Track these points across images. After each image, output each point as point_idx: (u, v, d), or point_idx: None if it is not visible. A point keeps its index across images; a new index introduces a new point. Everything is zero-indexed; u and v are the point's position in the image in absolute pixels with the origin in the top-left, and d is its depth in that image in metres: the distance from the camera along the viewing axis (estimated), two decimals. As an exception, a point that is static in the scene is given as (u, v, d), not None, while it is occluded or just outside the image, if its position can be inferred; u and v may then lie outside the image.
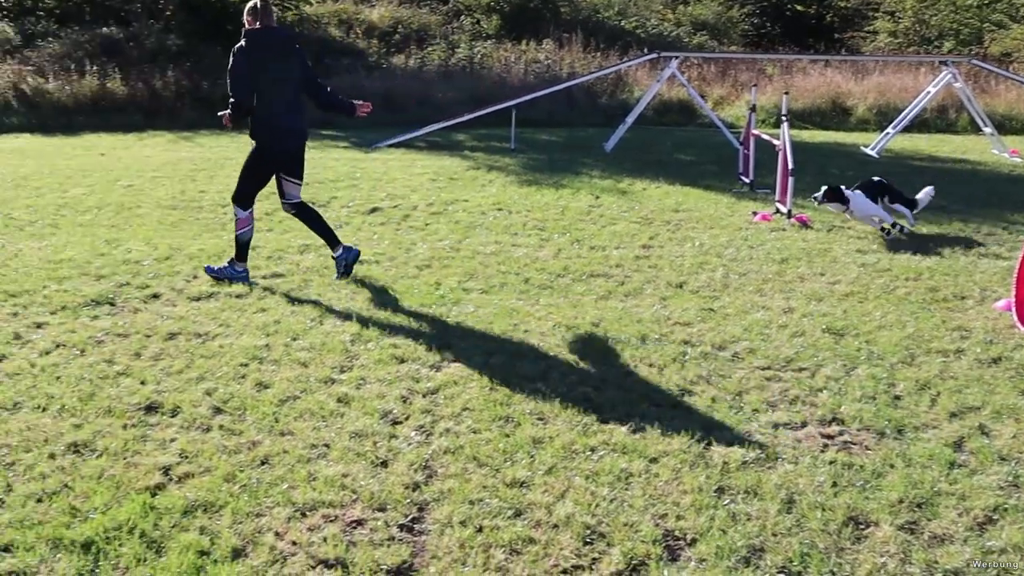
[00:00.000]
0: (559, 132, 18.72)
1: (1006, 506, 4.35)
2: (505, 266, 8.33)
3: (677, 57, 17.30)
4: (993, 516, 4.28)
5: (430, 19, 27.69)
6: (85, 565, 3.75)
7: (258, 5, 7.34)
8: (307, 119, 7.83)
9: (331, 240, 7.90)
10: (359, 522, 4.12)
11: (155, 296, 7.30)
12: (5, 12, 23.33)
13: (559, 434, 4.99)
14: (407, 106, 19.99)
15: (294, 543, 3.94)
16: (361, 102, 8.02)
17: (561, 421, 5.17)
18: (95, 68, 19.73)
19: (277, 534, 4.00)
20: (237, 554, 3.86)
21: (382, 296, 7.37)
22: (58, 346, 6.16)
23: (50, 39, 21.67)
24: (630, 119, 16.50)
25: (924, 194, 10.38)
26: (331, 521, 4.11)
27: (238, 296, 7.31)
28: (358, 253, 7.96)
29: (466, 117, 16.79)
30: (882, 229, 9.84)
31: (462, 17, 28.29)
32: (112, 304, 7.07)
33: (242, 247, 7.72)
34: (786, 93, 12.47)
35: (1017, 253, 7.93)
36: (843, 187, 9.89)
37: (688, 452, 4.82)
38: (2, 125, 18.09)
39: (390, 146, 16.13)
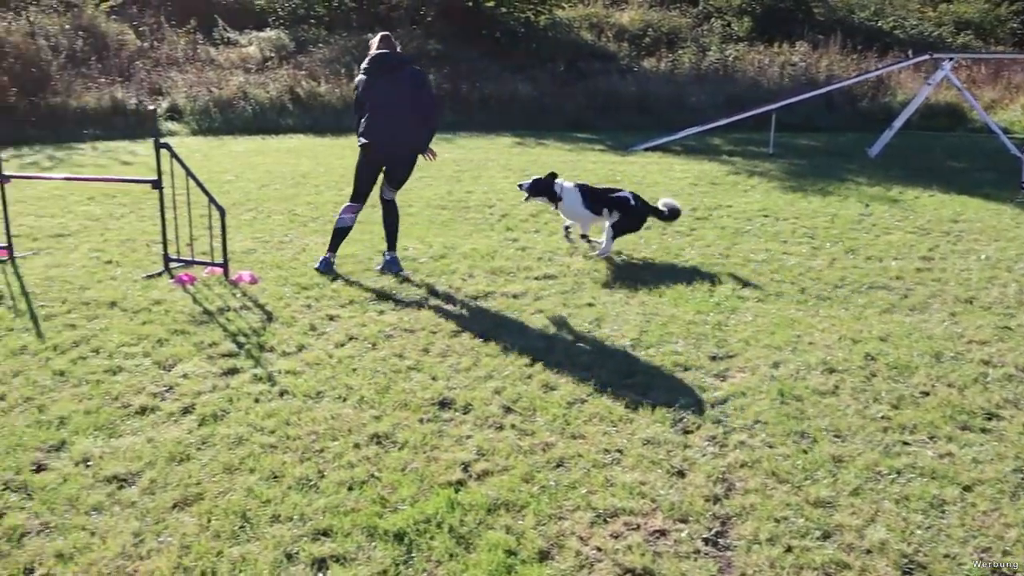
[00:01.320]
0: (818, 137, 18.13)
1: None
2: (779, 275, 8.09)
3: (951, 59, 16.38)
4: None
5: (680, 22, 27.45)
6: (399, 555, 3.85)
7: (379, 35, 8.34)
8: (416, 132, 8.09)
9: (391, 242, 8.31)
10: (662, 532, 4.05)
11: (435, 293, 7.50)
12: (281, 21, 24.77)
13: (860, 453, 4.77)
14: (660, 110, 19.87)
15: (599, 549, 3.92)
16: (432, 154, 8.36)
17: (860, 440, 4.94)
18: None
19: (581, 539, 3.99)
20: (544, 556, 3.87)
21: (656, 301, 7.30)
22: (351, 339, 6.42)
23: (320, 45, 22.83)
24: (897, 123, 15.78)
25: (663, 204, 9.03)
26: (634, 529, 4.06)
27: (514, 296, 7.41)
28: (399, 269, 8.17)
29: (724, 121, 16.51)
30: (582, 237, 9.09)
31: (712, 19, 27.88)
32: (395, 300, 7.31)
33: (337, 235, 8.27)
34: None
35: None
36: (559, 181, 8.94)
37: (1006, 482, 4.50)
38: (278, 126, 19.19)
39: (646, 150, 16.05)
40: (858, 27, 27.11)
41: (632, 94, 20.62)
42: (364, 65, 8.16)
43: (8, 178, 8.70)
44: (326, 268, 8.16)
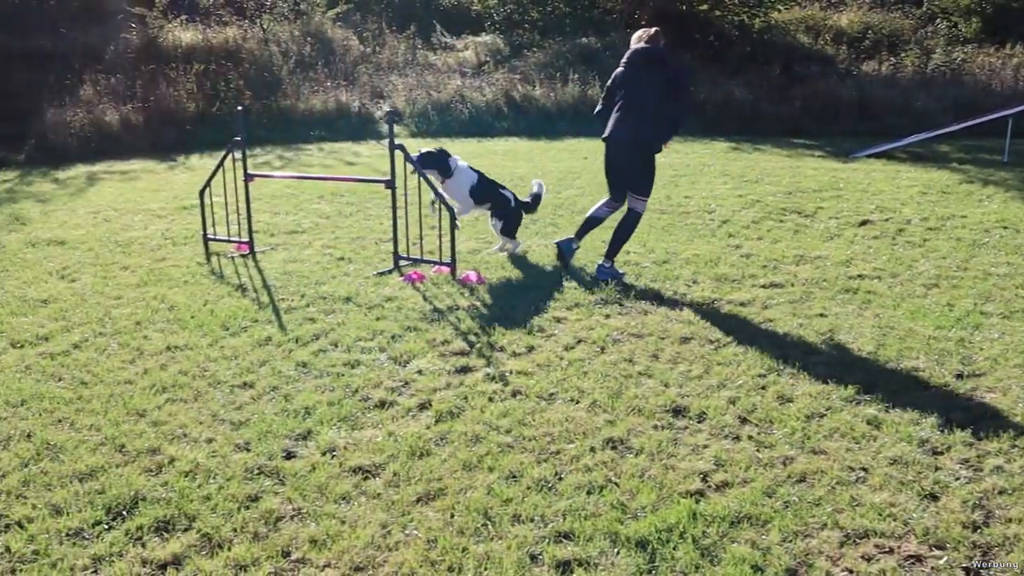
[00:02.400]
0: (1058, 145, 17.02)
1: None
2: (1024, 290, 7.63)
3: None
4: None
5: (902, 23, 26.34)
6: (642, 564, 3.81)
7: (648, 30, 8.26)
8: (651, 131, 8.01)
9: (610, 249, 8.14)
10: (916, 557, 3.86)
11: (660, 298, 7.43)
12: (497, 25, 25.21)
13: None
14: (882, 115, 19.12)
15: (850, 571, 3.77)
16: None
17: None
18: (576, 76, 20.75)
19: (830, 559, 3.85)
20: (792, 574, 3.75)
21: (891, 314, 6.99)
22: (579, 341, 6.43)
23: (535, 49, 23.10)
24: None
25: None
26: (886, 552, 3.89)
27: (741, 304, 7.26)
28: (606, 278, 7.97)
29: (956, 127, 15.74)
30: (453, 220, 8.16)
31: (937, 21, 26.62)
32: (620, 304, 7.28)
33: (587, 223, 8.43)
34: None
35: None
36: (455, 157, 8.66)
37: None
38: (494, 128, 19.52)
39: (869, 156, 15.47)
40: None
41: (852, 98, 19.91)
42: (624, 59, 8.20)
43: (252, 176, 9.16)
44: (567, 250, 8.35)
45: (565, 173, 13.71)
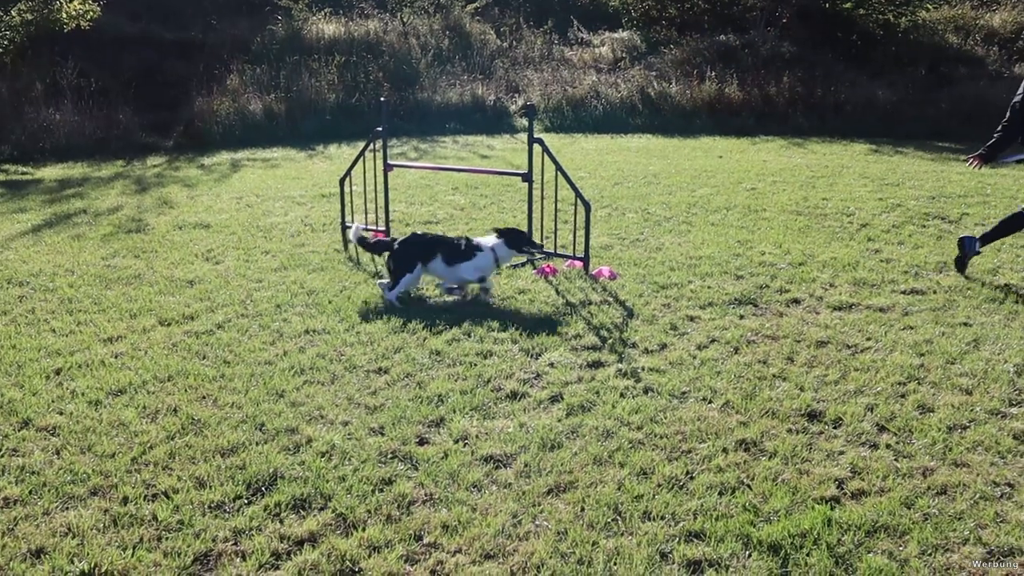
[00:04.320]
0: None
1: None
2: None
3: None
4: None
5: (1060, 24, 25.20)
6: (774, 568, 3.77)
7: None
8: None
9: (988, 235, 8.19)
10: (1065, 579, 3.72)
11: (796, 301, 7.29)
12: (634, 21, 25.09)
13: None
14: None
15: (993, 588, 3.65)
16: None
17: None
18: (713, 73, 20.50)
19: (971, 574, 3.73)
20: (930, 587, 3.65)
21: (1041, 326, 6.72)
22: (712, 341, 6.37)
23: (671, 46, 22.91)
24: None
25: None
26: (1031, 571, 3.76)
27: (880, 310, 7.07)
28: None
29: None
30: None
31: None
32: (755, 305, 7.18)
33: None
34: None
35: None
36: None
37: None
38: (627, 125, 19.44)
39: (1019, 161, 14.85)
40: None
41: (1003, 102, 19.10)
42: None
43: (392, 166, 9.32)
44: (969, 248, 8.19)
45: (700, 172, 13.56)
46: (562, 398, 5.40)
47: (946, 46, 23.96)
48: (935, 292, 7.56)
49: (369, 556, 3.86)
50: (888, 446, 4.83)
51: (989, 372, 5.82)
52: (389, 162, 9.30)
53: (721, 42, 22.58)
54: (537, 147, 8.24)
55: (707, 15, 24.72)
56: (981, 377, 5.74)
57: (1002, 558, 3.85)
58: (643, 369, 5.83)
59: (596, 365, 5.92)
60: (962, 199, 11.45)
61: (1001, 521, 4.11)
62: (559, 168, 8.11)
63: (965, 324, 6.76)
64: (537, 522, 4.10)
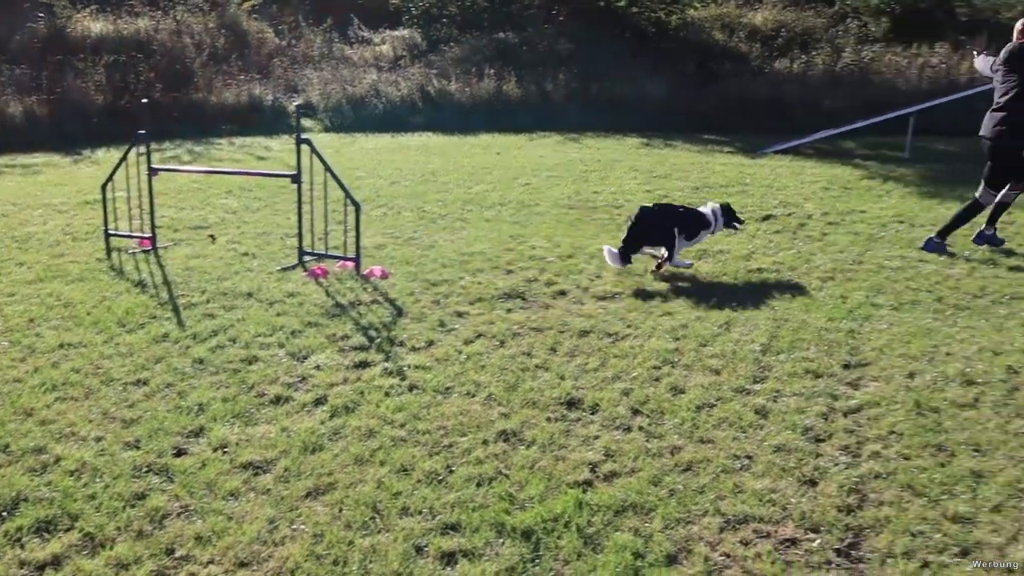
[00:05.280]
0: (956, 142, 17.48)
1: None
2: (915, 282, 7.86)
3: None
4: None
5: (814, 22, 26.81)
6: (527, 553, 3.87)
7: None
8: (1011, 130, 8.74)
9: (991, 218, 9.24)
10: (792, 541, 3.98)
11: (562, 293, 7.51)
12: (414, 19, 25.13)
13: (1001, 469, 4.60)
14: (792, 112, 19.46)
15: (727, 555, 3.87)
16: None
17: (1001, 455, 4.77)
18: (492, 71, 20.79)
19: (709, 544, 3.95)
20: (671, 560, 3.84)
21: (786, 307, 7.16)
22: (479, 336, 6.47)
23: (452, 44, 23.09)
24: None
25: None
26: (763, 537, 4.00)
27: (642, 298, 7.37)
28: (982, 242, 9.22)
29: (860, 124, 16.11)
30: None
31: (848, 20, 27.14)
32: (523, 298, 7.35)
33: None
34: None
35: None
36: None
37: None
38: (408, 123, 19.47)
39: (776, 152, 15.77)
40: (1005, 28, 26.06)
41: (763, 96, 20.23)
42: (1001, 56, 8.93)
43: (156, 171, 9.03)
44: (994, 241, 9.22)
45: (477, 169, 13.74)
46: (326, 400, 5.37)
47: (713, 43, 25.12)
48: (695, 279, 7.92)
49: (117, 574, 3.74)
50: (641, 428, 5.04)
51: (737, 352, 6.16)
52: (154, 166, 9.00)
53: (500, 40, 22.94)
54: (307, 147, 8.16)
55: (487, 13, 25.03)
56: (730, 357, 6.07)
57: (737, 526, 4.08)
58: (409, 367, 5.87)
59: (363, 365, 5.92)
60: (723, 189, 12.05)
61: (739, 492, 4.36)
62: (328, 168, 8.06)
63: (719, 308, 7.12)
64: (294, 526, 4.07)
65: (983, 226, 9.28)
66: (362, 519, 4.11)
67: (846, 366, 5.95)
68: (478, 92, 20.31)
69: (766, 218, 10.38)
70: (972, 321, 6.90)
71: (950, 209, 10.86)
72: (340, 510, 4.19)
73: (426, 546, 3.91)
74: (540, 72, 20.98)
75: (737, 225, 8.55)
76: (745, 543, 3.96)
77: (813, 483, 4.46)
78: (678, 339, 6.41)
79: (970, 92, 17.98)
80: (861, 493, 4.38)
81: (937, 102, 16.63)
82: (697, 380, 5.69)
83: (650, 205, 8.36)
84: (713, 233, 8.39)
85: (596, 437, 4.93)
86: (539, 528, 4.03)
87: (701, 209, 8.35)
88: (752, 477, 4.51)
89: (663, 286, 7.67)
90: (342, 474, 4.51)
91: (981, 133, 9.13)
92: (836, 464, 4.65)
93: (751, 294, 7.49)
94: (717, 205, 8.39)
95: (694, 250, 8.72)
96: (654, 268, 8.08)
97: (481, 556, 3.85)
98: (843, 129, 16.30)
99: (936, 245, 9.03)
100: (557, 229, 9.68)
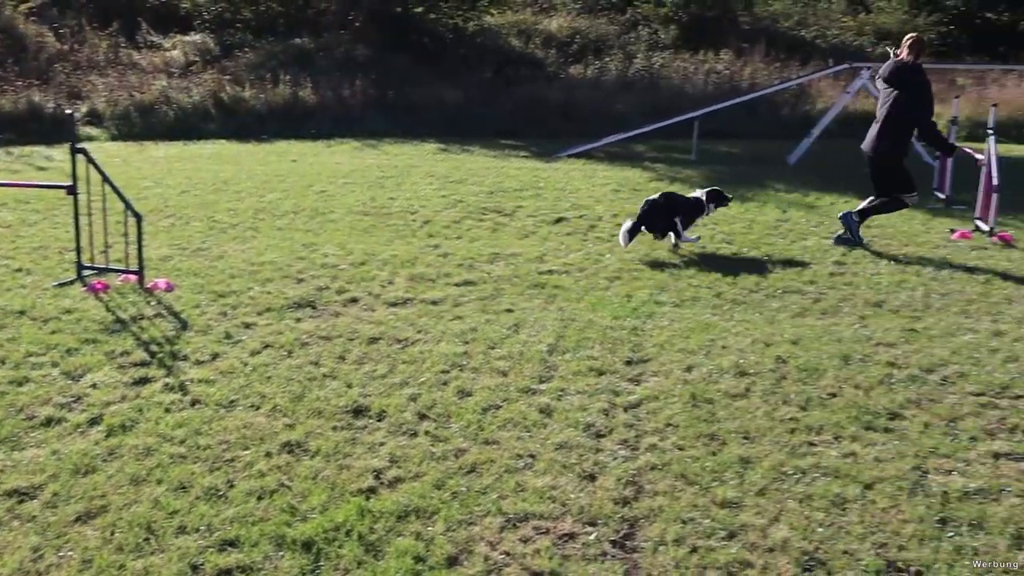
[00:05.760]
0: (740, 144, 18.39)
1: None
2: (696, 280, 8.20)
3: (869, 68, 16.76)
4: None
5: (607, 29, 27.63)
6: (306, 564, 3.84)
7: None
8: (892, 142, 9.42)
9: (863, 210, 9.78)
10: (570, 535, 4.09)
11: (354, 300, 7.47)
12: (207, 24, 24.47)
13: (767, 455, 4.86)
14: (586, 116, 19.98)
15: (507, 554, 3.94)
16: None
17: (768, 441, 5.04)
18: (288, 77, 20.46)
19: (490, 544, 4.01)
20: (452, 562, 3.88)
21: (574, 307, 7.35)
22: (266, 347, 6.37)
23: (246, 49, 22.61)
24: (816, 131, 16.09)
25: None
26: (543, 533, 4.10)
27: (433, 303, 7.41)
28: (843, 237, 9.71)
29: (648, 128, 16.68)
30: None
31: (639, 27, 28.11)
32: (314, 307, 7.27)
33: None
34: (994, 105, 11.91)
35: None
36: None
37: (905, 479, 4.63)
38: (201, 131, 18.92)
39: (570, 156, 16.15)
40: (782, 36, 27.53)
41: (558, 101, 20.71)
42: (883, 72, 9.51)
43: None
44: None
45: (271, 177, 13.50)
46: (102, 419, 5.17)
47: (510, 49, 25.53)
48: (486, 282, 8.03)
49: None
50: (427, 433, 5.07)
51: (525, 353, 6.27)
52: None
53: (296, 45, 22.63)
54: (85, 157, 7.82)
55: (282, 18, 24.65)
56: (517, 359, 6.18)
57: (518, 524, 4.16)
58: (192, 381, 5.72)
59: (143, 381, 5.73)
60: (517, 193, 12.25)
61: (521, 490, 4.45)
62: (105, 178, 7.75)
63: (508, 310, 7.24)
64: (61, 553, 3.90)
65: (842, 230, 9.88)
66: (135, 541, 3.97)
67: (628, 362, 6.16)
68: (273, 98, 19.96)
69: (558, 221, 10.61)
70: (747, 315, 7.26)
71: (731, 209, 11.40)
72: (112, 533, 4.04)
73: (202, 564, 3.82)
74: (337, 78, 20.80)
75: (727, 201, 9.82)
76: (525, 540, 4.04)
77: (592, 478, 4.59)
78: (467, 342, 6.48)
79: (751, 96, 18.96)
80: (637, 485, 4.54)
81: (720, 106, 17.41)
82: (485, 382, 5.76)
83: (656, 197, 9.32)
84: (707, 215, 9.61)
85: (382, 444, 4.93)
86: (320, 538, 3.99)
87: (696, 194, 9.57)
88: (534, 475, 4.60)
89: (456, 291, 7.74)
90: (116, 495, 4.35)
91: (863, 147, 9.71)
92: (615, 458, 4.81)
93: (541, 296, 7.65)
94: (704, 192, 9.57)
95: (486, 253, 8.84)
96: (672, 245, 9.36)
97: (259, 571, 3.79)
98: (634, 133, 16.85)
99: (845, 240, 9.70)
100: (351, 236, 9.63)
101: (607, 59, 24.88)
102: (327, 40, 22.82)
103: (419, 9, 24.44)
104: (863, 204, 9.89)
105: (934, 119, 9.63)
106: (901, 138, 9.42)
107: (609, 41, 26.69)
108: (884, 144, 9.43)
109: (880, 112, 9.52)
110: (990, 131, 10.99)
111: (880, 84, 9.68)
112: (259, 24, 24.55)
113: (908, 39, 9.56)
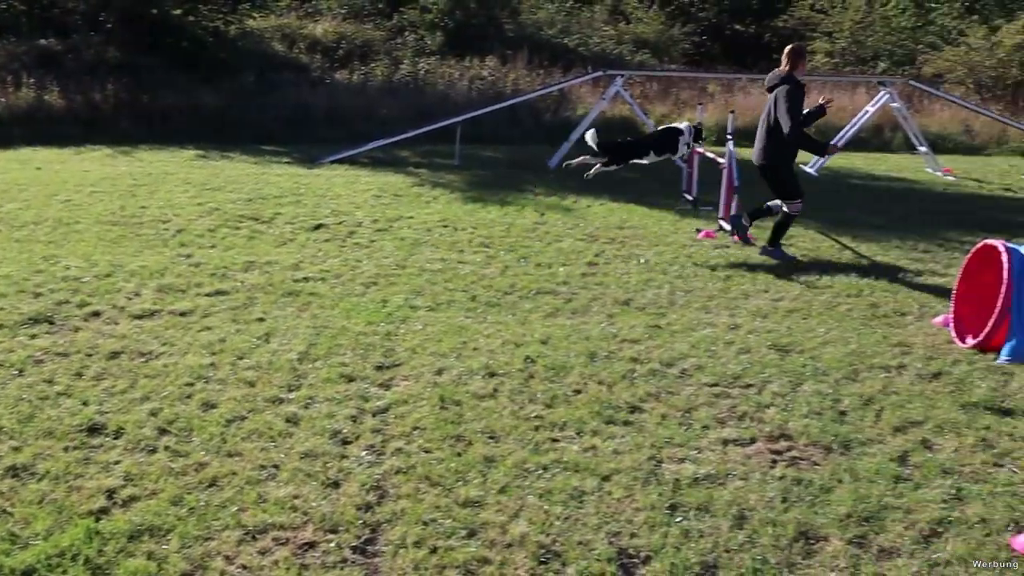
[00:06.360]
0: (503, 149, 18.74)
1: (950, 519, 4.44)
2: (452, 283, 8.30)
3: (622, 75, 17.44)
4: (938, 529, 4.36)
5: (374, 35, 27.57)
6: (27, 594, 3.66)
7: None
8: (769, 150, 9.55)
9: (772, 237, 9.80)
10: (311, 544, 4.07)
11: (96, 314, 7.15)
12: (-60, 23, 22.85)
13: (511, 453, 4.98)
14: (351, 122, 19.86)
15: (244, 567, 3.88)
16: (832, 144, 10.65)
17: (513, 440, 5.16)
18: (32, 80, 19.35)
19: (227, 558, 3.94)
20: (186, 579, 3.79)
21: (328, 314, 7.30)
22: (-5, 366, 6.02)
23: (-15, 50, 21.25)
24: (574, 136, 16.56)
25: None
26: (282, 544, 4.05)
27: (182, 314, 7.20)
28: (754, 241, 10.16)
29: (411, 133, 16.76)
30: None
31: (406, 33, 28.20)
32: (51, 322, 6.92)
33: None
34: (732, 112, 12.61)
35: (953, 270, 8.09)
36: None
37: (640, 469, 4.84)
38: (-66, 137, 17.64)
39: (333, 162, 16.02)
40: (546, 44, 28.25)
41: (323, 106, 20.48)
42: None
43: None
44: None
45: (10, 185, 12.71)
46: None
47: (273, 53, 25.07)
48: (238, 291, 7.85)
49: None
50: (167, 448, 4.92)
51: (274, 362, 6.18)
52: None
53: (41, 46, 21.43)
54: None
55: (25, 17, 23.28)
56: (266, 368, 6.08)
57: (257, 536, 4.10)
58: (-92, 406, 5.34)
59: None
60: (277, 199, 12.04)
61: (262, 501, 4.39)
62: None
63: (260, 320, 7.11)
64: None
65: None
66: None
67: (379, 368, 6.17)
68: (16, 102, 18.82)
69: (317, 227, 10.50)
70: (500, 316, 7.41)
71: (491, 212, 11.63)
72: None
73: (-92, 602, 3.57)
74: (87, 81, 19.82)
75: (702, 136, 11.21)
76: (263, 552, 3.99)
77: (336, 485, 4.58)
78: (215, 354, 6.32)
79: (512, 102, 19.37)
80: (382, 489, 4.56)
81: (483, 111, 17.69)
82: (231, 394, 5.65)
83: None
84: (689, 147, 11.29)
85: (117, 462, 4.75)
86: (42, 565, 3.82)
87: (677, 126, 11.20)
88: (277, 486, 4.55)
89: (206, 301, 7.53)
90: None
91: (752, 157, 9.90)
92: (360, 464, 4.81)
93: (295, 304, 7.55)
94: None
95: (239, 262, 8.65)
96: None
97: (-26, 604, 3.58)
98: (398, 138, 16.88)
99: (770, 252, 9.75)
100: (97, 247, 9.21)
101: (373, 64, 24.82)
102: (76, 41, 21.73)
103: (177, 11, 23.62)
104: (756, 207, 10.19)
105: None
106: (774, 147, 9.52)
107: (375, 47, 26.64)
108: (761, 153, 9.65)
109: (762, 122, 9.74)
110: (729, 136, 11.64)
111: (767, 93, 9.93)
112: (0, 23, 23.10)
113: (786, 48, 9.85)
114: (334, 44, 26.37)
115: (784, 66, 9.67)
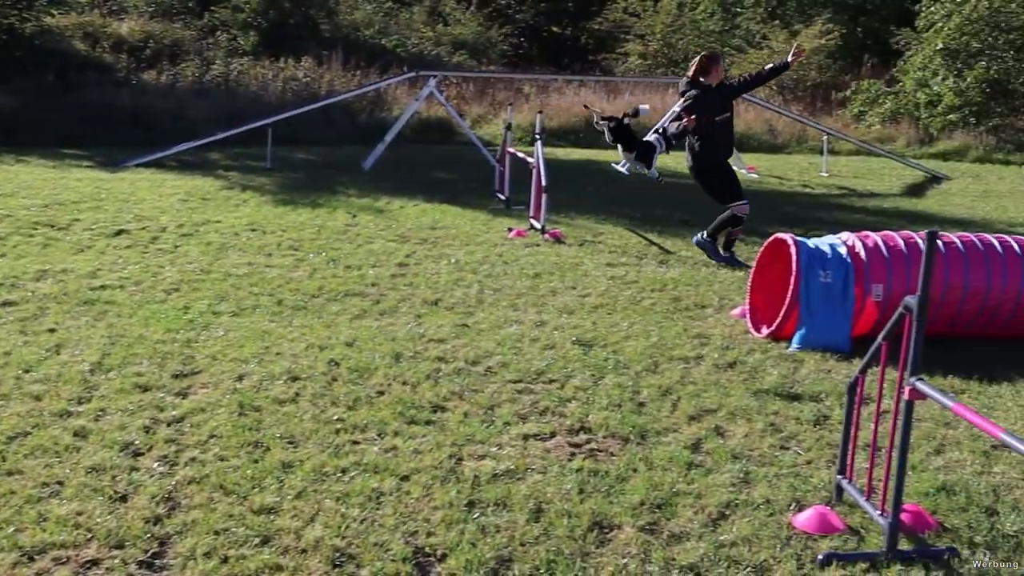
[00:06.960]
0: (317, 151, 18.53)
1: (737, 501, 4.62)
2: (258, 288, 8.15)
3: (435, 76, 17.51)
4: (725, 512, 4.53)
5: (184, 34, 26.78)
6: None
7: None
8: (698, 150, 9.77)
9: (711, 229, 9.94)
10: (94, 562, 3.90)
11: None
12: None
13: (310, 457, 4.92)
14: (159, 123, 19.25)
15: (12, 589, 3.70)
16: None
17: (312, 444, 5.09)
18: None
19: (-1, 582, 3.74)
20: (-48, 607, 3.58)
21: (125, 323, 7.04)
22: None
23: None
24: (388, 137, 16.54)
25: None
26: (62, 563, 3.87)
27: (-36, 327, 6.82)
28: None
29: (220, 135, 16.38)
30: None
31: (218, 33, 27.51)
32: None
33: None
34: (540, 112, 12.83)
35: (751, 263, 8.46)
36: None
37: (440, 468, 4.86)
38: None
39: (138, 165, 15.48)
40: (363, 44, 28.05)
41: (128, 107, 19.78)
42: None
43: None
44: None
45: None
46: None
47: (74, 52, 24.04)
48: (28, 302, 7.49)
49: None
50: (-60, 469, 4.64)
51: (64, 374, 5.91)
52: None
53: None
54: None
55: None
56: (55, 381, 5.81)
57: (35, 557, 3.91)
58: None
59: None
60: (76, 205, 11.56)
61: (43, 520, 4.18)
62: None
63: (51, 330, 6.80)
64: None
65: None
66: None
67: (176, 376, 5.99)
68: None
69: (118, 233, 10.13)
70: (306, 320, 7.31)
71: (301, 215, 11.48)
72: None
73: None
74: None
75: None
76: (41, 573, 3.80)
77: (124, 499, 4.41)
78: (-5, 368, 6.01)
79: (326, 102, 19.17)
80: (173, 501, 4.42)
81: (295, 112, 17.47)
82: (14, 409, 5.36)
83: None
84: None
85: None
86: None
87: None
88: (60, 503, 4.34)
89: (-9, 312, 7.16)
90: None
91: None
92: (151, 475, 4.65)
93: (90, 313, 7.26)
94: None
95: (31, 271, 8.25)
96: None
97: None
98: (206, 140, 16.47)
99: (718, 256, 9.91)
100: None
101: (183, 65, 24.13)
102: None
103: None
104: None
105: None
106: (693, 151, 9.72)
107: (185, 46, 25.89)
108: (690, 159, 9.87)
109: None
110: (537, 136, 11.83)
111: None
112: None
113: (697, 59, 9.86)
114: (141, 43, 25.50)
115: (690, 72, 9.78)
